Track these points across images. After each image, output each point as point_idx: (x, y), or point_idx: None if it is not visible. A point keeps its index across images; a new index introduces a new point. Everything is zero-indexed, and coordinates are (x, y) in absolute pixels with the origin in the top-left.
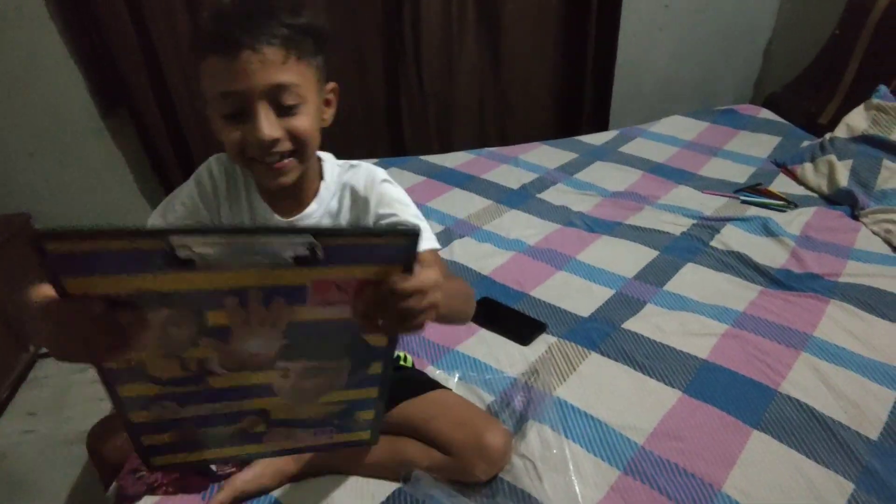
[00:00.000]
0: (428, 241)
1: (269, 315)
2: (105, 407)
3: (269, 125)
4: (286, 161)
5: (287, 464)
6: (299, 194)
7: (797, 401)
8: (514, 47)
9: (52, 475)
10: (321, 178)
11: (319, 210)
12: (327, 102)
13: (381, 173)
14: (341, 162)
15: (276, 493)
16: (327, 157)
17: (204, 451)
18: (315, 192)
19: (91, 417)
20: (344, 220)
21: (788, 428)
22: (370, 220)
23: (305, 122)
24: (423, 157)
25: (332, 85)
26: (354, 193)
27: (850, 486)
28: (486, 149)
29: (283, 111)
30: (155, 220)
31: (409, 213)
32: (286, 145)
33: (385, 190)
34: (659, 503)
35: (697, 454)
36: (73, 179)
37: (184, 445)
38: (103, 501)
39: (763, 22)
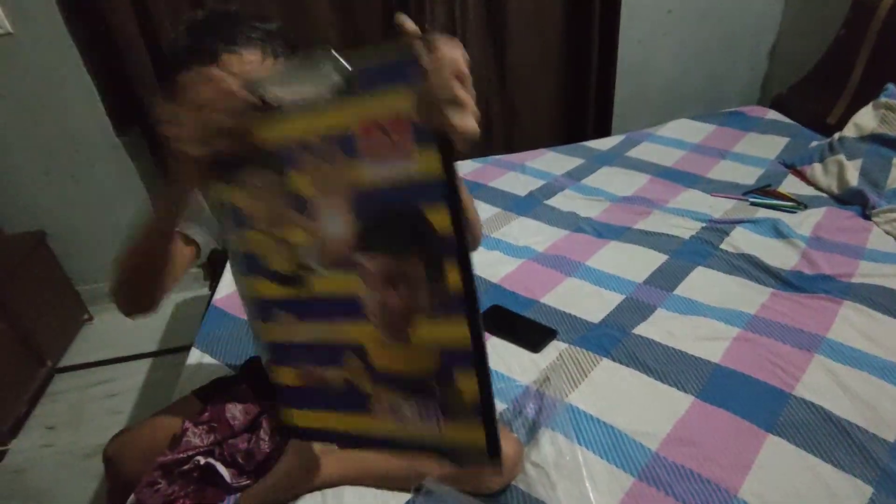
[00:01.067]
0: None
1: (337, 172)
2: (121, 420)
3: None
4: None
5: (301, 476)
6: None
7: (812, 404)
8: (518, 56)
9: (71, 489)
10: None
11: None
12: None
13: None
14: None
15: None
16: None
17: (327, 414)
18: None
19: (108, 431)
20: None
21: (804, 431)
22: None
23: None
24: None
25: None
26: None
27: (868, 490)
28: (493, 156)
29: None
30: None
31: None
32: None
33: None
34: None
35: (712, 459)
36: (87, 197)
37: (309, 397)
38: None
39: (768, 24)
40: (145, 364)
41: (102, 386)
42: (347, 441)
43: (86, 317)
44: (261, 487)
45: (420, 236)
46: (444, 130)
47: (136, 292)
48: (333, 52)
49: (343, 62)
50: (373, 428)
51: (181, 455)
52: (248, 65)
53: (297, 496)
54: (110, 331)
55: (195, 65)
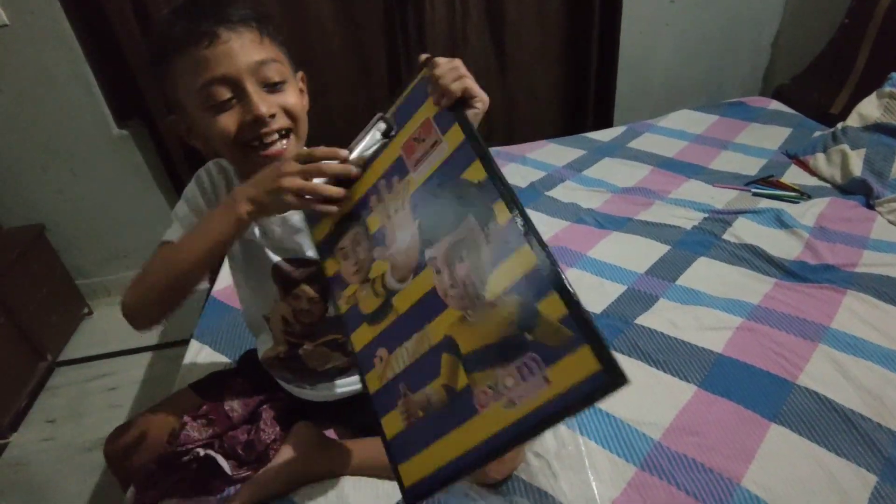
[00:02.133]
0: None
1: (396, 195)
2: (121, 414)
3: (263, 100)
4: (285, 143)
5: (301, 468)
6: None
7: (816, 393)
8: (518, 48)
9: (71, 482)
10: None
11: None
12: (300, 91)
13: None
14: None
15: (292, 496)
16: None
17: (443, 444)
18: None
19: (108, 424)
20: None
21: (808, 421)
22: None
23: (293, 97)
24: None
25: (300, 74)
26: None
27: (873, 479)
28: (493, 147)
29: (271, 88)
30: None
31: None
32: (282, 121)
33: None
34: (677, 499)
35: (715, 449)
36: (86, 191)
37: (418, 435)
38: None
39: (770, 14)
40: (145, 357)
41: (102, 379)
42: (474, 465)
43: (85, 311)
44: (261, 478)
45: (465, 198)
46: (456, 96)
47: (163, 310)
48: (379, 114)
49: (385, 115)
50: (487, 429)
51: (180, 448)
52: (247, 44)
53: (296, 486)
54: (110, 324)
55: (191, 47)
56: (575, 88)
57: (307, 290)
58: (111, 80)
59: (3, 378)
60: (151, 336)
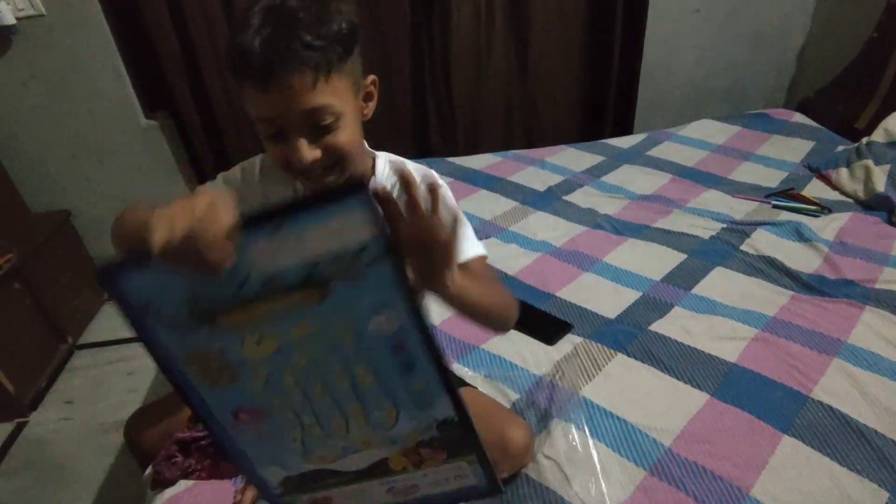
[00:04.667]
0: (474, 248)
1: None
2: (138, 398)
3: (307, 150)
4: (331, 175)
5: None
6: None
7: (830, 407)
8: (541, 53)
9: (88, 461)
10: (373, 174)
11: None
12: (368, 96)
13: (433, 173)
14: (395, 158)
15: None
16: (381, 155)
17: None
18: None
19: (125, 407)
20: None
21: (821, 434)
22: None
23: (343, 136)
24: (449, 159)
25: (371, 78)
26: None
27: (885, 495)
28: (513, 151)
29: (321, 131)
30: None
31: (460, 218)
32: (327, 161)
33: (445, 194)
34: None
35: (726, 457)
36: (112, 180)
37: None
38: (137, 487)
39: (797, 26)
40: None
41: (121, 364)
42: None
43: (106, 296)
44: None
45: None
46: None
47: None
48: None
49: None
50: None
51: (199, 433)
52: (298, 94)
53: None
54: None
55: (246, 82)
56: (596, 95)
57: None
58: (141, 72)
59: (25, 358)
60: None
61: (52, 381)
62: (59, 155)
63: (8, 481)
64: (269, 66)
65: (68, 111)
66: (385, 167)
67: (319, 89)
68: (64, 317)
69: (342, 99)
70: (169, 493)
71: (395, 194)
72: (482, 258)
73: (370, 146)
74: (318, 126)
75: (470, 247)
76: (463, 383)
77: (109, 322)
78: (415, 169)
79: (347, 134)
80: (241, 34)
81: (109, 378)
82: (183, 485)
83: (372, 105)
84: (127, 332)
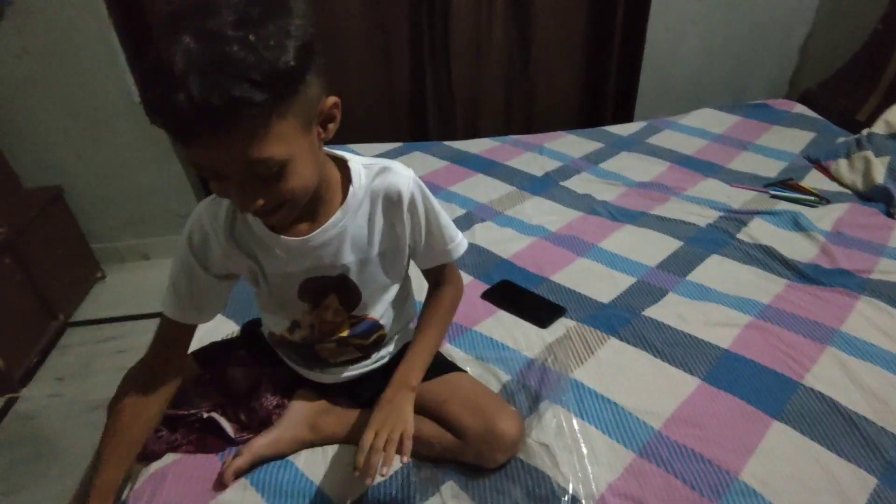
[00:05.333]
0: (445, 254)
1: None
2: None
3: (246, 199)
4: (278, 214)
5: (303, 431)
6: (315, 211)
7: (821, 394)
8: (542, 38)
9: (77, 438)
10: (349, 181)
11: (342, 221)
12: (328, 118)
13: (412, 180)
14: (368, 162)
15: (292, 459)
16: (351, 159)
17: None
18: (340, 201)
19: (115, 386)
20: (378, 226)
21: (811, 420)
22: (405, 226)
23: (291, 182)
24: (447, 143)
25: (332, 100)
26: (388, 198)
27: (873, 481)
28: (511, 136)
29: (264, 179)
30: (169, 306)
31: (439, 224)
32: (273, 204)
33: (418, 200)
34: (674, 486)
35: (715, 441)
36: (105, 157)
37: None
38: None
39: (801, 17)
40: (154, 324)
41: (111, 342)
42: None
43: (98, 274)
44: (263, 440)
45: None
46: None
47: None
48: None
49: None
50: None
51: (184, 412)
52: (234, 149)
53: (297, 450)
54: (122, 289)
55: (168, 132)
56: (597, 82)
57: (334, 299)
58: (136, 48)
59: (16, 334)
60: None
61: (43, 357)
62: (52, 130)
63: None
64: (192, 128)
65: (61, 86)
66: (362, 176)
67: (258, 142)
68: (56, 293)
69: (288, 144)
70: (155, 466)
71: (377, 214)
72: (450, 267)
73: (368, 127)
74: (259, 176)
75: (441, 253)
76: (455, 367)
77: (101, 300)
78: (395, 181)
79: (296, 178)
80: (156, 78)
81: (100, 356)
82: (170, 458)
83: (333, 126)
84: (118, 311)
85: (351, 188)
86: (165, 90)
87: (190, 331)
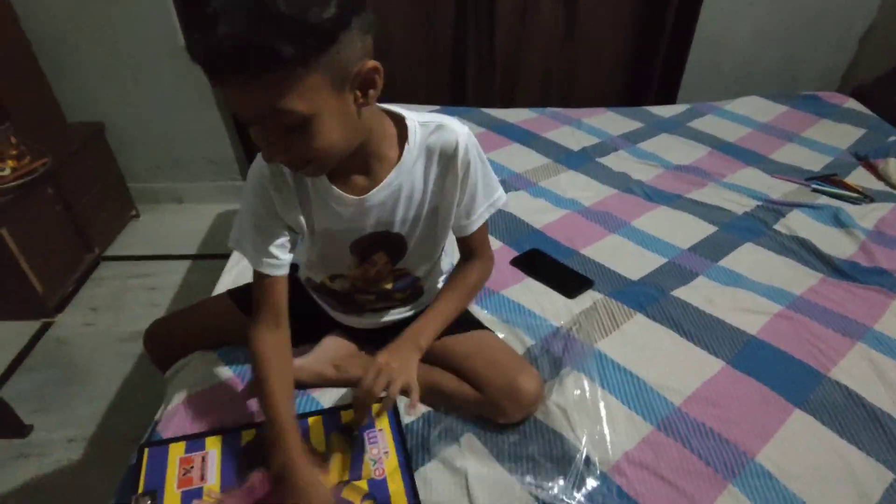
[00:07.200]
0: (485, 214)
1: None
2: (158, 312)
3: (271, 150)
4: (306, 170)
5: (327, 368)
6: (370, 167)
7: (846, 388)
8: (589, 11)
9: (107, 366)
10: (406, 140)
11: (396, 179)
12: (367, 83)
13: (467, 137)
14: (425, 119)
15: (314, 393)
16: (408, 116)
17: None
18: (397, 159)
19: (145, 320)
20: (432, 181)
21: (833, 412)
22: (457, 179)
23: (317, 141)
24: (484, 110)
25: (371, 64)
26: (444, 155)
27: (890, 476)
28: (550, 108)
29: (291, 131)
30: (247, 245)
31: (487, 181)
32: (298, 160)
33: (472, 157)
34: (689, 461)
35: (734, 422)
36: (145, 97)
37: None
38: (152, 394)
39: (863, 8)
40: (184, 265)
41: (143, 279)
42: None
43: (133, 213)
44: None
45: None
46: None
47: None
48: None
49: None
50: None
51: None
52: (259, 96)
53: (316, 385)
54: (154, 229)
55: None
56: (642, 61)
57: (382, 256)
58: None
59: (54, 262)
60: (191, 247)
61: (77, 287)
62: (96, 67)
63: (29, 375)
64: (219, 69)
65: (106, 24)
66: (417, 133)
67: (283, 92)
68: (92, 227)
69: (314, 100)
70: (183, 393)
71: (431, 172)
72: (483, 239)
73: (406, 87)
74: (285, 127)
75: (477, 216)
76: (481, 325)
77: (134, 238)
78: (451, 139)
79: (321, 138)
80: (190, 14)
81: (132, 291)
82: (196, 387)
83: (374, 93)
84: (150, 250)
85: (406, 145)
86: (198, 28)
87: (282, 279)
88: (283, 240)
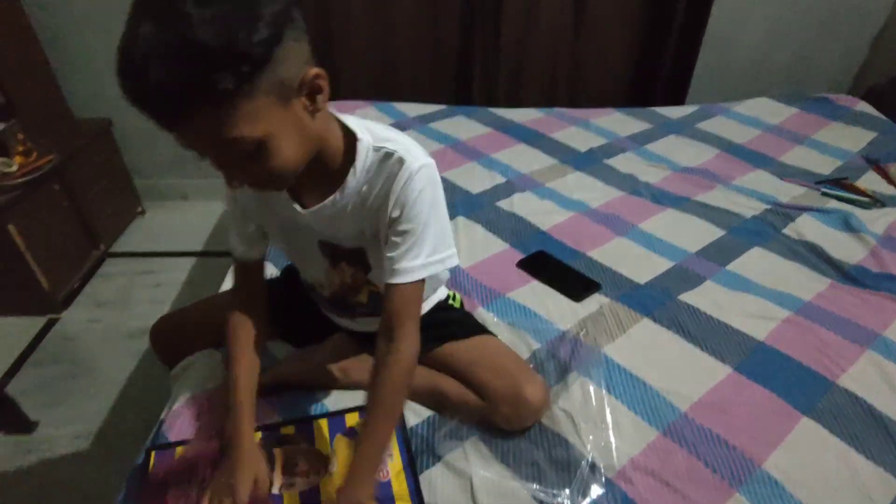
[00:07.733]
0: (420, 271)
1: None
2: (164, 309)
3: (229, 178)
4: (269, 188)
5: (332, 370)
6: (318, 181)
7: (855, 395)
8: (597, 9)
9: (112, 361)
10: (354, 161)
11: (342, 201)
12: (314, 90)
13: (421, 177)
14: (382, 143)
15: (319, 396)
16: (363, 137)
17: None
18: (343, 178)
19: (150, 317)
20: (370, 204)
21: (841, 420)
22: (386, 219)
23: (273, 159)
24: (491, 109)
25: (314, 72)
26: (384, 187)
27: None
28: (556, 108)
29: (246, 155)
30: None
31: (436, 232)
32: (260, 182)
33: (415, 198)
34: (695, 467)
35: (741, 429)
36: None
37: None
38: (158, 390)
39: (876, 9)
40: (189, 262)
41: (149, 276)
42: None
43: (139, 209)
44: (290, 366)
45: None
46: None
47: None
48: None
49: None
50: None
51: None
52: (202, 137)
53: (321, 386)
54: (160, 226)
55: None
56: (651, 61)
57: (345, 265)
58: None
59: (61, 258)
60: (197, 244)
61: (83, 283)
62: (104, 63)
63: (35, 370)
64: (158, 115)
65: (114, 20)
66: (368, 158)
67: (226, 123)
68: (98, 224)
69: (262, 122)
70: (188, 394)
71: (372, 195)
72: (408, 308)
73: (411, 84)
74: (238, 154)
75: (406, 268)
76: (485, 330)
77: (140, 234)
78: (396, 172)
79: (278, 156)
80: (121, 65)
81: (137, 288)
82: (204, 386)
83: (322, 97)
84: (156, 246)
85: (352, 168)
86: (130, 77)
87: (255, 264)
88: (254, 229)
